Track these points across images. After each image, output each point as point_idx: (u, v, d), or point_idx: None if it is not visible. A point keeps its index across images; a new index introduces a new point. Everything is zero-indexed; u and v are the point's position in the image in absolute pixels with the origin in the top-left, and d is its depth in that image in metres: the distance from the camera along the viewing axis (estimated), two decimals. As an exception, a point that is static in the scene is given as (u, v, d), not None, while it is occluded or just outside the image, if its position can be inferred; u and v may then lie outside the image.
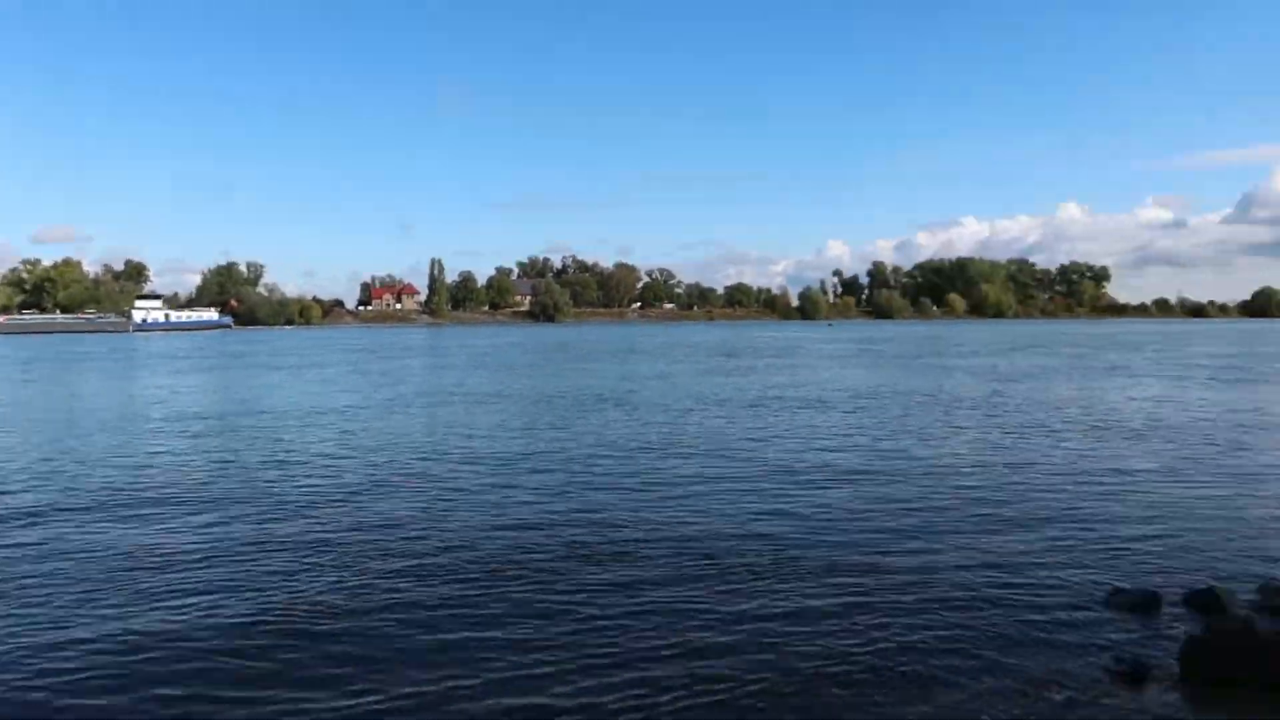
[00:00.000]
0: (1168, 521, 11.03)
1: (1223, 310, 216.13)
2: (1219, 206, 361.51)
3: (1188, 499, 12.32)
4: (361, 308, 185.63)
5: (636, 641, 7.07)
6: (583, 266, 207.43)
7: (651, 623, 7.49)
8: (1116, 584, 8.43)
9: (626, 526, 10.78)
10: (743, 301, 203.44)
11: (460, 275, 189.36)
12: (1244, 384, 32.66)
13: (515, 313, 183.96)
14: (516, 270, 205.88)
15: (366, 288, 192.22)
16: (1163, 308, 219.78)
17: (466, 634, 7.24)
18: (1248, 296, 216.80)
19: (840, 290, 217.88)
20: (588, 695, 6.10)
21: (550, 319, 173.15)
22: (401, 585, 8.48)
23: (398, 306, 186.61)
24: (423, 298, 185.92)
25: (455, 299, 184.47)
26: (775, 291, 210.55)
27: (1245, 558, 9.48)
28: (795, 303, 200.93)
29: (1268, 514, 11.46)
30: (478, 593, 8.27)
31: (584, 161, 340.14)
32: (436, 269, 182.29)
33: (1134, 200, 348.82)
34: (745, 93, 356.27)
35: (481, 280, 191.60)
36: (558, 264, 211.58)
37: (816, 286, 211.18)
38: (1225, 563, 9.29)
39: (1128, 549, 9.76)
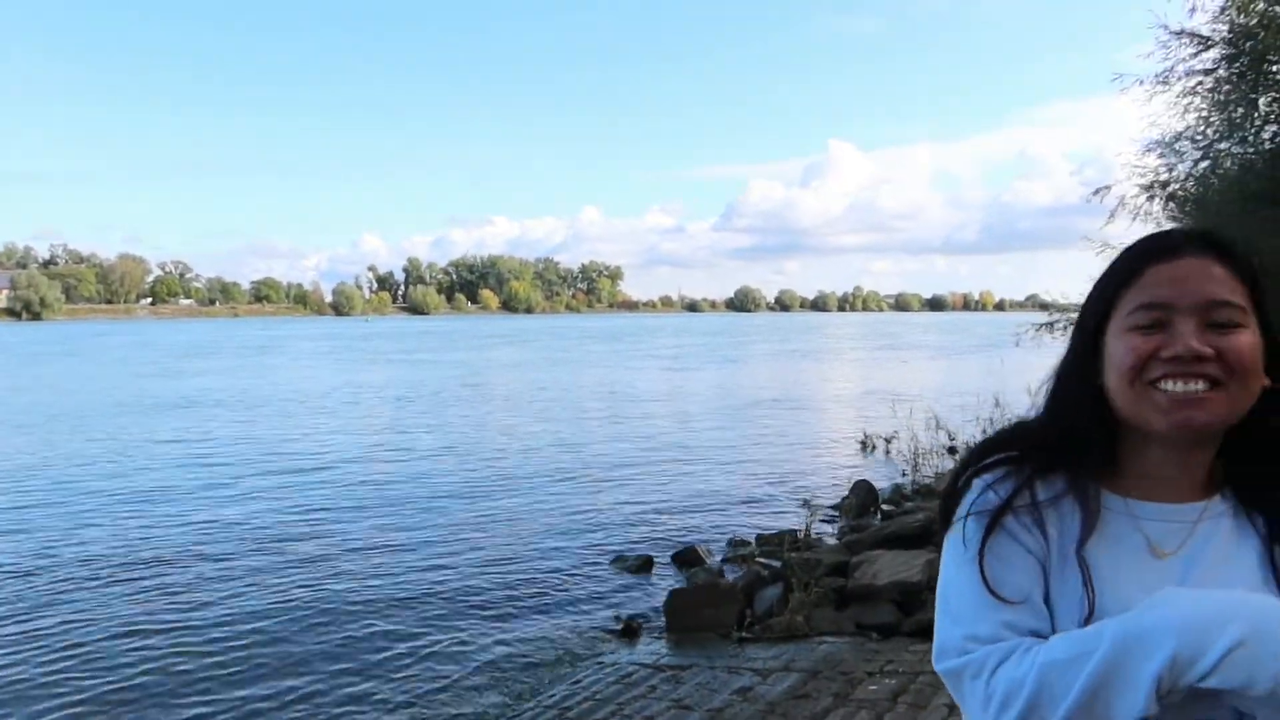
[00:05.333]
0: (659, 493, 12.68)
1: (713, 305, 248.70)
2: (709, 215, 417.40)
3: (670, 473, 14.25)
4: None
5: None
6: (78, 257, 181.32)
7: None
8: (619, 551, 9.53)
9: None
10: (271, 297, 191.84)
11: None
12: (703, 370, 38.33)
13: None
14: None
15: None
16: (667, 303, 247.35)
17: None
18: (731, 294, 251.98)
19: (376, 286, 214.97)
20: None
21: (36, 317, 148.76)
22: None
23: None
24: None
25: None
26: (308, 287, 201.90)
27: (719, 518, 11.23)
28: (329, 299, 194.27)
29: (731, 480, 13.66)
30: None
31: (79, 135, 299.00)
32: None
33: (642, 207, 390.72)
34: (273, 76, 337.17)
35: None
36: (45, 254, 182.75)
37: (351, 282, 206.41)
38: (704, 524, 10.93)
39: (628, 520, 11.06)
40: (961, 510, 1.11)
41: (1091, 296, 1.13)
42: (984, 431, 14.45)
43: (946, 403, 18.16)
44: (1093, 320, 1.12)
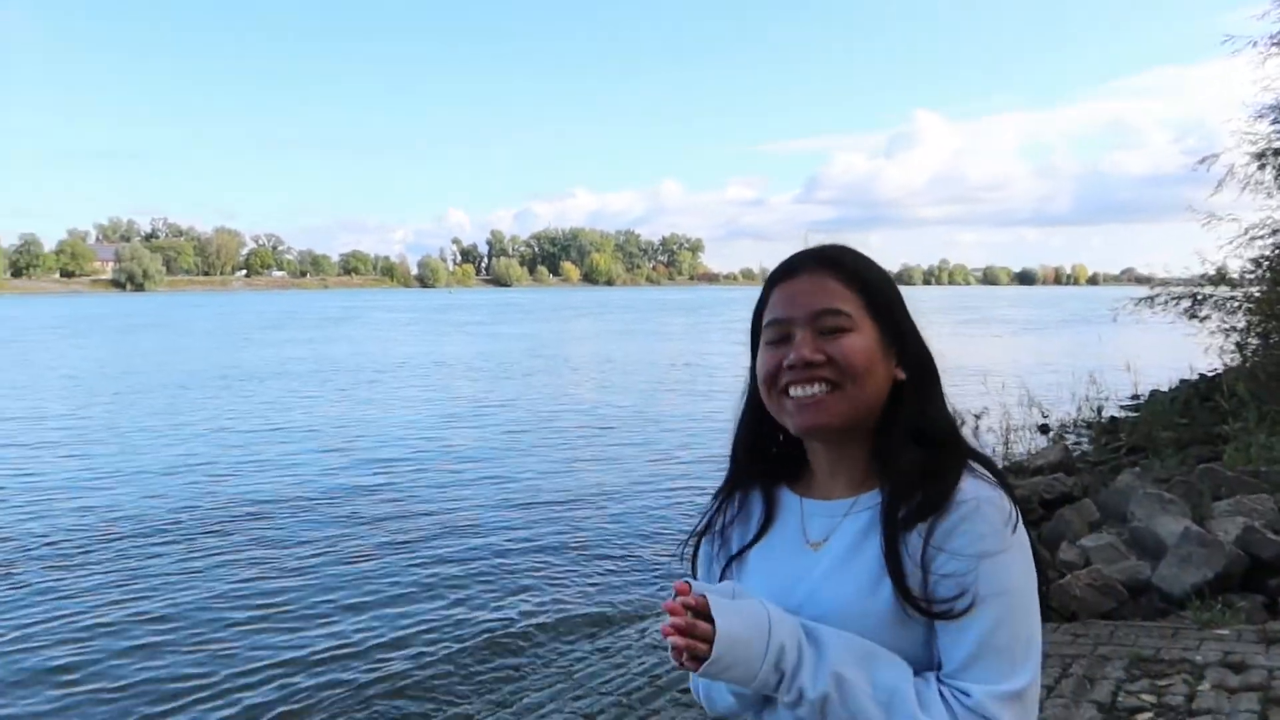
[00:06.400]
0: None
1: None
2: (790, 188, 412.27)
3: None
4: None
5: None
6: (177, 231, 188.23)
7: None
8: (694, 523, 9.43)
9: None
10: (360, 269, 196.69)
11: (22, 239, 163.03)
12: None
13: (95, 281, 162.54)
14: (95, 233, 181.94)
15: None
16: (748, 276, 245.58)
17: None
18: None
19: (460, 258, 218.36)
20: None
21: (139, 288, 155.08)
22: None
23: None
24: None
25: (15, 266, 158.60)
26: (394, 259, 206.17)
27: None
28: (415, 271, 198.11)
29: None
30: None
31: (179, 114, 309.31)
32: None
33: (722, 180, 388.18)
34: (360, 54, 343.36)
35: (50, 245, 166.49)
36: (147, 228, 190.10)
37: (436, 255, 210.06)
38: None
39: (702, 493, 10.93)
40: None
41: (752, 321, 1.29)
42: (1079, 409, 13.96)
43: (1039, 379, 17.56)
44: (752, 342, 1.28)
